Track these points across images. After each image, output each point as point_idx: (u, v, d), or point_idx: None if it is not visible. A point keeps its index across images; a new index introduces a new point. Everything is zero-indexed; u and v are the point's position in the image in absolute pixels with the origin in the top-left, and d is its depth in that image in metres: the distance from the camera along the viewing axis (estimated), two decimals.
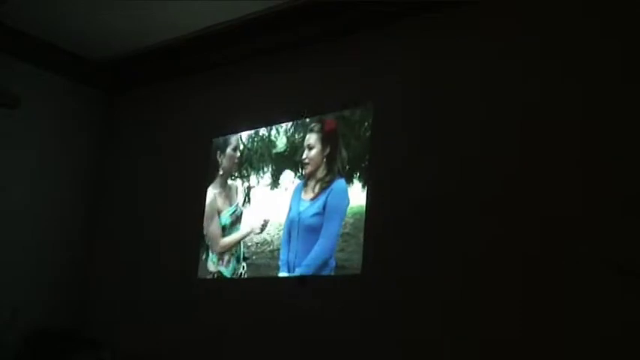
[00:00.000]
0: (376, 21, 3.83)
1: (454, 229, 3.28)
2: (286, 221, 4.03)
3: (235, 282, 4.10)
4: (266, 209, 4.14)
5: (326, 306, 3.61)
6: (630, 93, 2.98)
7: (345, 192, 3.79)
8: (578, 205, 2.97)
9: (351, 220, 3.71)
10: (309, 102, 4.03)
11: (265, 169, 4.20)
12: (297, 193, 4.03)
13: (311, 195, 3.97)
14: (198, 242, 4.30)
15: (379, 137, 3.68)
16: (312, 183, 3.99)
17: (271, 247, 4.05)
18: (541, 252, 3.01)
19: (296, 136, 4.12)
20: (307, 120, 4.07)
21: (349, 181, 3.79)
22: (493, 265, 3.13)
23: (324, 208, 3.88)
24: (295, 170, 4.06)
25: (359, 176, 3.77)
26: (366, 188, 3.70)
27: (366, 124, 3.81)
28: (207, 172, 4.39)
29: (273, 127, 4.21)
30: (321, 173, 3.97)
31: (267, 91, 4.26)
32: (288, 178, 4.09)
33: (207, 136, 4.45)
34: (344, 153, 3.86)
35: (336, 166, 3.91)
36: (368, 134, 3.79)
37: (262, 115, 4.21)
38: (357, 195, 3.73)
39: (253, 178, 4.26)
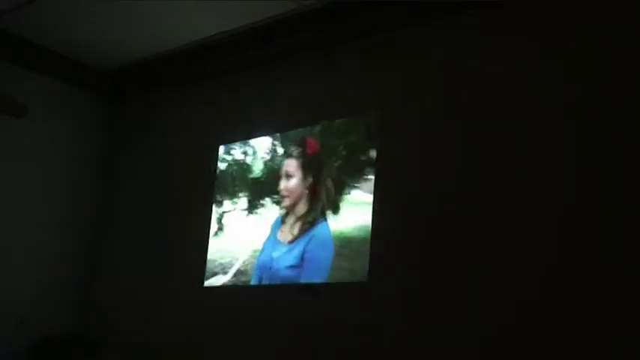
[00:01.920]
0: (380, 28, 3.88)
1: (459, 237, 3.30)
2: (257, 263, 3.61)
3: (241, 288, 4.01)
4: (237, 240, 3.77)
5: (332, 313, 3.60)
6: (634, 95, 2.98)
7: (329, 240, 3.36)
8: (582, 207, 3.00)
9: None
10: (315, 109, 4.00)
11: (240, 195, 3.92)
12: (274, 230, 3.64)
13: (289, 237, 3.54)
14: (205, 247, 4.23)
15: (384, 145, 3.64)
16: (290, 220, 3.58)
17: (245, 277, 3.71)
18: (546, 258, 3.03)
19: (275, 160, 3.81)
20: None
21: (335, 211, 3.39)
22: (497, 272, 3.15)
23: (301, 259, 3.42)
24: (273, 198, 3.70)
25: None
26: (372, 195, 3.46)
27: (351, 138, 3.56)
28: (214, 178, 4.33)
29: (249, 151, 3.97)
30: (301, 209, 3.55)
31: (272, 98, 4.27)
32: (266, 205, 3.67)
33: (213, 143, 4.45)
34: (330, 184, 3.49)
35: (319, 202, 3.46)
36: (344, 152, 3.52)
37: (267, 122, 4.19)
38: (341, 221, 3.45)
39: (227, 203, 4.02)
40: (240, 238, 3.88)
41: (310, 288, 3.53)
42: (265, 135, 4.17)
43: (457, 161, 3.42)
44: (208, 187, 4.40)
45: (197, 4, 4.00)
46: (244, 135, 4.31)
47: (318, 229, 3.44)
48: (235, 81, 4.51)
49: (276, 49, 4.26)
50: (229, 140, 4.38)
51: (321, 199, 3.46)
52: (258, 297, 3.95)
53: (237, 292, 4.06)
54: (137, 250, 4.71)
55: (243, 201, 3.93)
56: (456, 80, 3.53)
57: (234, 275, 3.84)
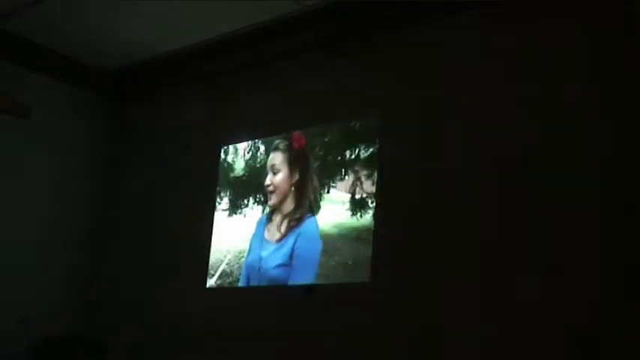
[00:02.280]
0: (380, 28, 3.86)
1: (459, 237, 3.30)
2: (245, 263, 3.56)
3: (242, 289, 4.00)
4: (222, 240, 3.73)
5: (334, 314, 3.59)
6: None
7: (317, 236, 3.34)
8: (582, 207, 3.00)
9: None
10: (316, 109, 4.00)
11: (223, 195, 3.91)
12: (260, 228, 3.58)
13: (277, 235, 3.49)
14: (207, 247, 4.19)
15: (384, 145, 3.66)
16: (277, 218, 3.55)
17: (230, 278, 3.68)
18: (546, 258, 3.04)
19: (258, 157, 3.78)
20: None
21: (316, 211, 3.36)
22: (497, 272, 3.16)
23: (290, 257, 3.37)
24: (256, 197, 3.66)
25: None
26: (374, 196, 3.47)
27: (328, 138, 3.54)
28: (215, 178, 4.32)
29: (230, 150, 3.95)
30: (288, 206, 3.53)
31: (272, 98, 4.25)
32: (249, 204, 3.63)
33: (214, 144, 4.46)
34: (315, 181, 3.48)
35: (306, 199, 3.44)
36: (321, 152, 3.49)
37: (267, 123, 4.19)
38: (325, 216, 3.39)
39: None
40: (225, 239, 3.87)
41: (304, 287, 3.52)
42: (266, 136, 4.15)
43: (457, 161, 3.43)
44: (209, 187, 4.39)
45: (198, 5, 4.00)
46: (245, 135, 4.30)
47: (306, 226, 3.44)
48: (236, 81, 4.51)
49: (276, 50, 4.26)
50: (230, 141, 4.37)
51: (308, 196, 3.45)
52: (259, 297, 3.93)
53: (238, 292, 4.04)
54: (137, 250, 4.71)
55: (225, 201, 3.92)
56: (456, 80, 3.52)
57: (220, 277, 3.82)
